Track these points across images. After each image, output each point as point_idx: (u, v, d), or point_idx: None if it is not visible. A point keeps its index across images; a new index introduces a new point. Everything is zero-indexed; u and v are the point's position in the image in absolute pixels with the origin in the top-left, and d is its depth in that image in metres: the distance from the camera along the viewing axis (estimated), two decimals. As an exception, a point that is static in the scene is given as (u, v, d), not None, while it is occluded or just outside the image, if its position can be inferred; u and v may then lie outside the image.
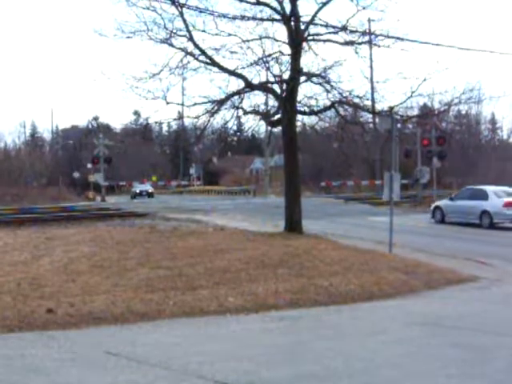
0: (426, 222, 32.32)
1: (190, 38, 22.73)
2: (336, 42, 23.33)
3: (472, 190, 32.86)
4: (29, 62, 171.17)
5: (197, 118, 24.32)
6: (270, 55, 23.61)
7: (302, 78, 23.64)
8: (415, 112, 33.68)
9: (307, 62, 24.15)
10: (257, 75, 23.94)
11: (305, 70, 23.62)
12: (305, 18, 23.16)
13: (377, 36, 23.58)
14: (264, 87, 24.01)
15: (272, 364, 8.51)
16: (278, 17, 23.04)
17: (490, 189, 31.87)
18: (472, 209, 30.76)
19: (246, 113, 24.63)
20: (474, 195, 31.57)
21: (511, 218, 29.85)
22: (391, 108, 24.26)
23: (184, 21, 22.57)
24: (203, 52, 22.92)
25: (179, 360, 8.68)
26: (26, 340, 9.92)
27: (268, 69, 23.88)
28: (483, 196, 30.85)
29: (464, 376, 7.99)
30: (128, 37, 22.60)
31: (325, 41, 23.47)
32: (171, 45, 22.86)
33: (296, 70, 23.04)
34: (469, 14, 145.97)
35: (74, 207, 41.84)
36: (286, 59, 23.60)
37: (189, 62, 23.10)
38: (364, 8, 22.90)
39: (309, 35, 23.38)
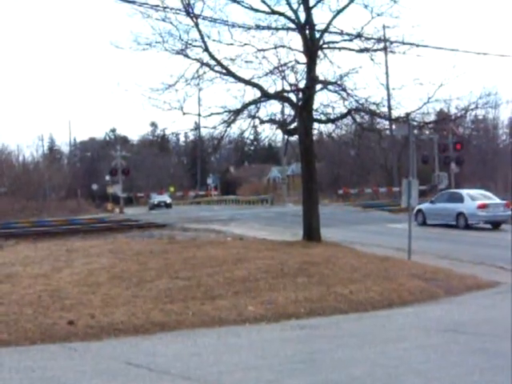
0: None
1: (206, 49, 22.79)
2: (351, 50, 23.30)
3: (449, 194, 35.49)
4: (46, 75, 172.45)
5: (213, 128, 24.38)
6: (285, 64, 23.60)
7: (318, 86, 23.63)
8: (432, 118, 33.60)
9: (323, 70, 24.19)
10: (273, 84, 23.98)
11: (320, 78, 23.61)
12: (320, 27, 23.21)
13: (392, 42, 23.56)
14: (280, 96, 24.01)
15: (293, 373, 8.48)
16: (292, 26, 23.05)
17: (465, 192, 34.32)
18: (449, 211, 32.58)
19: (262, 122, 24.64)
20: (451, 198, 33.79)
21: (485, 219, 31.78)
22: (408, 114, 24.19)
23: (199, 31, 22.64)
24: (219, 62, 22.97)
25: (199, 370, 8.67)
26: (47, 352, 9.96)
27: (284, 78, 23.90)
28: (459, 199, 32.97)
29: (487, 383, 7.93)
30: (144, 48, 22.73)
31: (340, 48, 23.45)
32: (187, 56, 22.94)
33: (312, 79, 23.03)
34: (485, 18, 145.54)
35: (105, 219, 42.44)
36: (302, 68, 23.62)
37: (205, 73, 23.18)
38: (379, 15, 22.89)
39: (324, 43, 23.37)
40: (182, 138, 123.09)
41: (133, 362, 9.11)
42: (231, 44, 23.02)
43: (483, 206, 31.55)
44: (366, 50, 23.23)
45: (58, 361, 9.39)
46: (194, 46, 22.93)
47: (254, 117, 23.94)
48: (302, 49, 23.23)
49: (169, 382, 8.22)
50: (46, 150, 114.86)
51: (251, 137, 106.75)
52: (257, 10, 22.97)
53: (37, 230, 32.66)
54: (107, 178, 68.92)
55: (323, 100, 24.20)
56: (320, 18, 25.57)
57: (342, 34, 23.18)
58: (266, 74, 23.50)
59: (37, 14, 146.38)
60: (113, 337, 10.87)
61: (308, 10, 22.75)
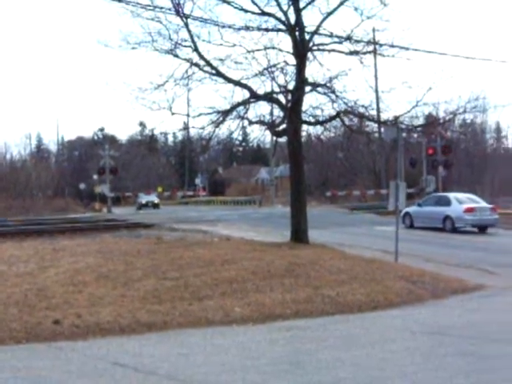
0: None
1: (195, 49, 22.78)
2: (341, 52, 23.33)
3: (437, 197, 35.61)
4: (34, 73, 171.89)
5: (202, 128, 24.35)
6: (274, 65, 23.59)
7: (307, 88, 23.63)
8: (420, 121, 33.61)
9: (312, 71, 24.11)
10: (262, 85, 23.93)
11: (310, 79, 23.63)
12: (310, 28, 23.20)
13: (381, 45, 23.61)
14: (269, 97, 24.01)
15: (279, 374, 8.50)
16: (282, 27, 23.05)
17: (452, 195, 34.48)
18: (436, 214, 32.75)
19: (251, 123, 24.62)
20: (438, 201, 33.94)
21: (472, 222, 31.95)
22: (396, 117, 24.26)
23: (189, 31, 22.62)
24: (208, 63, 22.96)
25: (186, 371, 8.68)
26: (33, 351, 9.94)
27: (273, 79, 23.88)
28: (446, 202, 33.12)
29: (472, 385, 7.98)
30: (133, 48, 22.67)
31: (330, 51, 23.46)
32: (176, 56, 22.92)
33: (301, 80, 23.06)
34: (474, 22, 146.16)
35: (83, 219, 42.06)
36: (291, 69, 23.58)
37: (194, 73, 23.14)
38: (369, 18, 22.92)
39: (314, 45, 23.38)
40: (170, 138, 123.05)
41: (119, 362, 9.10)
42: (221, 44, 23.04)
43: (470, 210, 31.68)
44: (356, 52, 23.28)
45: (43, 360, 9.37)
46: (184, 46, 22.92)
47: (242, 118, 23.91)
48: (291, 50, 23.23)
49: (155, 382, 8.22)
50: (34, 149, 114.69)
51: (240, 138, 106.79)
52: (247, 11, 22.97)
53: (24, 228, 32.48)
54: (95, 177, 68.79)
55: (312, 102, 24.17)
56: (310, 19, 25.69)
57: (331, 36, 23.22)
58: (256, 75, 23.50)
59: (26, 12, 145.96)
60: (99, 337, 10.85)
61: (298, 11, 22.78)
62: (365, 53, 23.46)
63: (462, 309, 13.81)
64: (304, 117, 23.89)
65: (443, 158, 53.07)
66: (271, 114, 25.59)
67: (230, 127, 24.78)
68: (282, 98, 24.10)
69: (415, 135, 51.70)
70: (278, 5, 22.91)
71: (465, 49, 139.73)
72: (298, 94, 23.03)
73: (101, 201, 68.78)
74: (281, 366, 8.90)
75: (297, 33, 22.92)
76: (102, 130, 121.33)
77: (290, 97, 23.60)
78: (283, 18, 22.90)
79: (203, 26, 23.62)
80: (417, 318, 12.77)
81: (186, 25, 22.55)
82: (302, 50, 22.85)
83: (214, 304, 12.88)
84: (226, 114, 23.50)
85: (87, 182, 78.82)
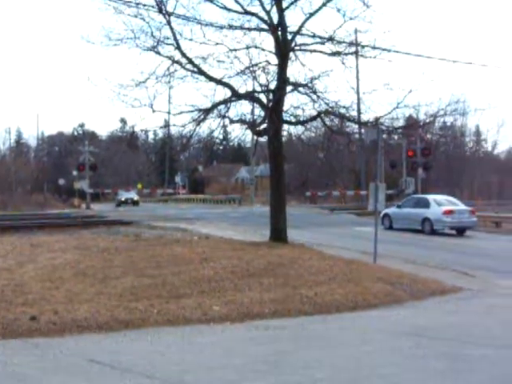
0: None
1: (178, 47, 22.73)
2: (323, 53, 23.37)
3: (416, 199, 35.64)
4: (15, 67, 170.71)
5: (183, 126, 24.26)
6: (256, 65, 23.57)
7: (289, 88, 23.64)
8: (401, 123, 33.76)
9: (294, 72, 24.24)
10: (243, 84, 23.91)
11: (291, 79, 23.65)
12: (292, 28, 23.22)
13: (363, 47, 23.66)
14: (250, 96, 24.00)
15: (256, 374, 8.48)
16: (265, 27, 23.06)
17: (431, 197, 34.56)
18: (415, 216, 32.88)
19: (232, 122, 24.59)
20: (417, 203, 33.99)
21: (450, 225, 32.09)
22: (377, 119, 24.35)
23: (171, 29, 22.57)
24: (190, 61, 22.91)
25: (163, 369, 8.64)
26: (8, 347, 9.85)
27: (255, 78, 23.87)
28: (425, 204, 33.21)
29: (448, 387, 8.00)
30: (115, 44, 22.57)
31: (312, 51, 23.51)
32: (158, 53, 22.85)
33: (283, 80, 23.06)
34: (456, 26, 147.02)
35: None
36: (273, 69, 23.59)
37: (176, 71, 23.08)
38: (351, 19, 22.95)
39: (296, 45, 23.40)
40: (151, 136, 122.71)
41: (95, 360, 9.04)
42: (203, 43, 22.98)
43: (449, 212, 31.80)
44: (338, 53, 23.32)
45: (19, 356, 9.29)
46: (166, 44, 22.87)
47: (223, 116, 23.88)
48: (273, 50, 23.26)
49: (131, 380, 8.17)
50: (13, 143, 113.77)
51: (220, 136, 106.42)
52: (230, 10, 22.95)
53: (2, 223, 32.24)
54: (74, 173, 68.38)
55: (293, 102, 24.18)
56: (293, 19, 25.71)
57: (314, 36, 23.27)
58: (237, 74, 23.48)
59: (6, 6, 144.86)
60: (76, 333, 10.79)
61: (281, 11, 22.78)
62: (347, 54, 23.52)
63: (440, 310, 13.87)
64: (285, 116, 23.92)
65: (423, 160, 53.47)
66: (252, 113, 25.61)
67: (211, 126, 24.78)
68: (263, 97, 24.11)
69: (395, 137, 52.03)
70: (261, 4, 22.93)
71: (446, 52, 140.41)
72: (279, 94, 23.04)
73: (80, 197, 68.47)
74: (258, 366, 8.89)
75: (279, 32, 22.94)
76: (82, 125, 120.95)
77: (271, 96, 23.61)
78: (266, 18, 22.91)
79: (186, 24, 23.64)
80: (395, 319, 12.81)
81: (169, 22, 22.50)
82: (284, 49, 22.87)
83: (192, 302, 12.85)
84: (207, 112, 23.47)
85: (66, 178, 78.34)
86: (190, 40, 22.99)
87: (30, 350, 9.70)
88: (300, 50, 23.48)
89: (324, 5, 23.05)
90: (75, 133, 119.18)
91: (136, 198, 74.27)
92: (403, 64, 26.95)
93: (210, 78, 23.26)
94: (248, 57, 23.52)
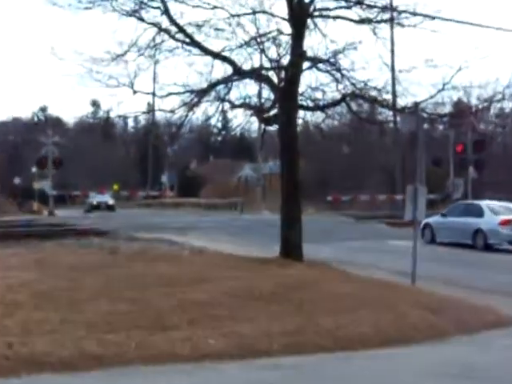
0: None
1: (165, 11, 22.72)
2: (349, 20, 23.36)
3: (465, 206, 35.85)
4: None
5: (172, 111, 24.35)
6: (265, 34, 23.59)
7: (306, 64, 23.66)
8: (447, 109, 33.80)
9: (312, 43, 24.10)
10: (248, 59, 23.94)
11: (309, 53, 23.65)
12: (310, -12, 23.24)
13: (400, 13, 23.60)
14: (257, 74, 24.02)
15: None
16: (276, -15, 23.12)
17: (485, 204, 34.33)
18: (464, 227, 32.76)
19: (233, 106, 24.66)
20: (467, 211, 34.05)
21: (509, 238, 31.69)
22: (417, 104, 24.33)
23: (158, -12, 22.63)
24: (181, 29, 22.92)
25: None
26: None
27: (262, 51, 23.86)
28: (478, 212, 33.17)
29: None
30: (86, 7, 22.64)
31: (335, 17, 23.48)
32: (141, 19, 22.84)
33: (298, 54, 23.05)
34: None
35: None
36: (286, 40, 23.61)
37: (163, 41, 23.11)
38: (386, -24, 23.01)
39: (315, 10, 23.37)
40: (130, 124, 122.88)
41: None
42: (198, 6, 23.00)
43: (507, 223, 31.71)
44: (368, 20, 23.30)
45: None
46: (151, 7, 22.87)
47: (223, 99, 23.93)
48: (286, 16, 23.25)
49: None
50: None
51: (219, 124, 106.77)
52: (231, -36, 23.01)
53: None
54: (33, 169, 68.56)
55: (311, 82, 24.21)
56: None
57: (337, -1, 23.29)
58: (241, 46, 23.49)
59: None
60: (34, 372, 10.78)
61: (296, -34, 22.81)
62: (379, 21, 23.50)
63: (496, 346, 13.85)
64: (300, 100, 23.91)
65: (475, 156, 53.31)
66: (259, 95, 25.64)
67: (207, 111, 24.89)
68: (273, 75, 24.13)
69: (440, 127, 51.98)
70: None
71: (506, 21, 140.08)
72: (293, 72, 23.03)
73: (40, 200, 68.59)
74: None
75: (294, -7, 22.95)
76: (44, 109, 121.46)
77: (283, 74, 23.62)
78: (277, -25, 22.95)
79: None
80: (438, 357, 12.80)
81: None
82: (299, 15, 22.85)
83: (180, 334, 12.85)
84: (202, 94, 23.50)
85: (23, 176, 78.60)
86: (181, 2, 23.03)
87: (-23, 393, 9.73)
88: (320, 15, 23.47)
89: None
90: (35, 119, 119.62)
91: (111, 201, 74.53)
92: (451, 35, 26.82)
93: (206, 51, 23.27)
94: (254, 24, 23.55)
